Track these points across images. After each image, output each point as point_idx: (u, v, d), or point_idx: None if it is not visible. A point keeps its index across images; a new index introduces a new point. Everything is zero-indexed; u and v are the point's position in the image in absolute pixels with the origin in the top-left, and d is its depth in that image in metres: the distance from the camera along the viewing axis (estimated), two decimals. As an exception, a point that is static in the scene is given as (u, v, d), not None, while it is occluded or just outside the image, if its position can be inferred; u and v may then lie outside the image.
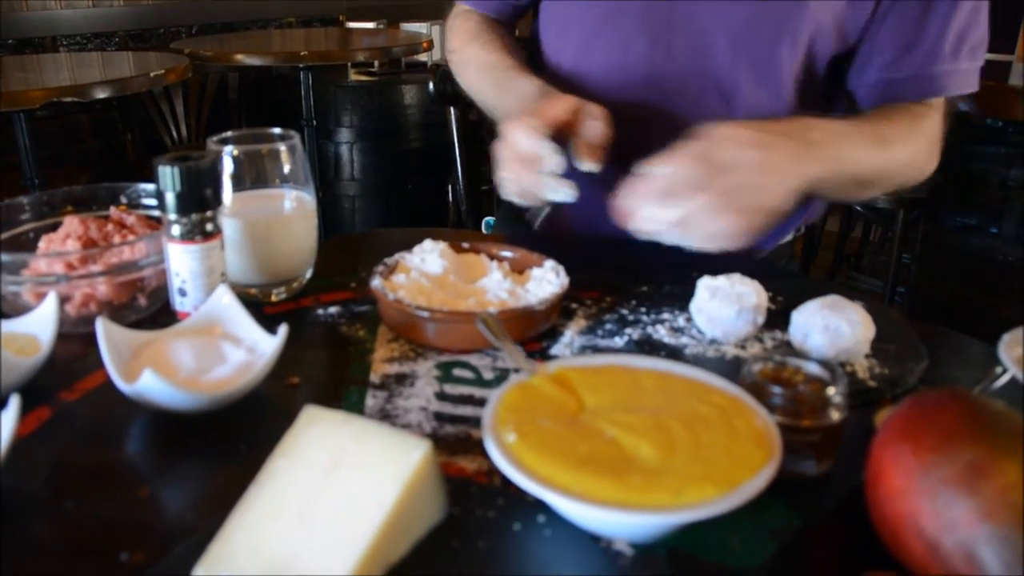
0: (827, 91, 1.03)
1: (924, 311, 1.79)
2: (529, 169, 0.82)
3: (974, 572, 0.40)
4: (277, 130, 0.83)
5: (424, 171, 3.18)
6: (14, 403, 0.55)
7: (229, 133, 0.81)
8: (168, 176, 0.69)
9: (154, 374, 0.57)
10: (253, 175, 0.80)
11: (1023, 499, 0.39)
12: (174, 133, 3.27)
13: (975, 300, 1.27)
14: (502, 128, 0.86)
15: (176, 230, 0.71)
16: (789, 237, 1.16)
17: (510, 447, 0.49)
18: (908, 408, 0.46)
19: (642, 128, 1.00)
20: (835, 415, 0.54)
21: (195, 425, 0.62)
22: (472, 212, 1.66)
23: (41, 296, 0.76)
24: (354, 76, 3.23)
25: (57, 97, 1.74)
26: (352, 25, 3.51)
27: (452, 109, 1.54)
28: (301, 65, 2.52)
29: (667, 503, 0.45)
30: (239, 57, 2.40)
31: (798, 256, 3.40)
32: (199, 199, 0.70)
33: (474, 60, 1.07)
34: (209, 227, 0.71)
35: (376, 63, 3.21)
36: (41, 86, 1.84)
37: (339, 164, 3.17)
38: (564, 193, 0.82)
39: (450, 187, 1.65)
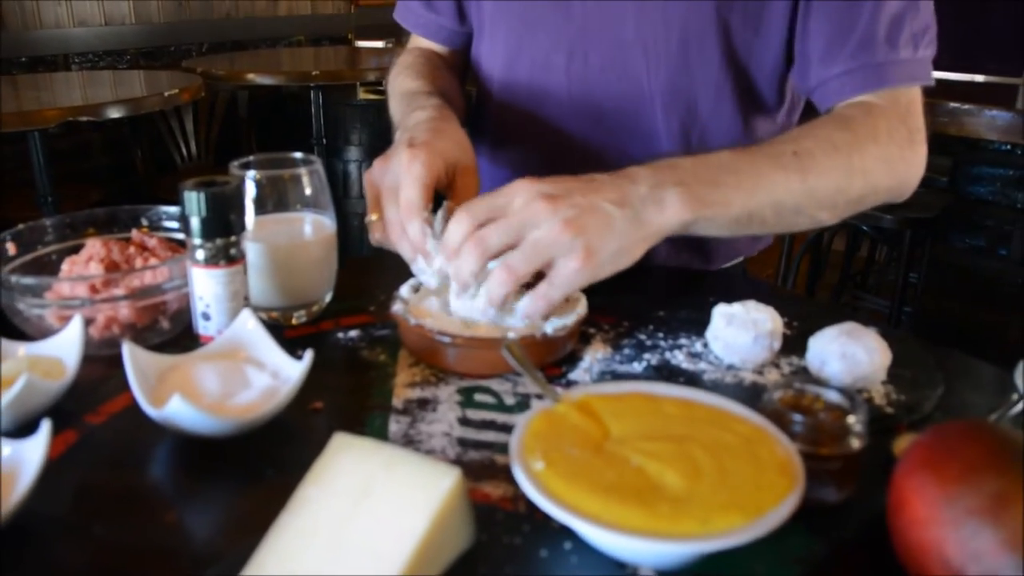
0: (781, 99, 1.01)
1: (930, 332, 1.80)
2: (405, 236, 0.77)
3: (1000, 603, 0.40)
4: (298, 155, 0.84)
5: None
6: (45, 428, 0.55)
7: (251, 157, 0.83)
8: (194, 201, 0.70)
9: (183, 400, 0.58)
10: (275, 199, 0.81)
11: (1048, 531, 0.40)
12: (184, 150, 3.29)
13: (983, 321, 1.28)
14: (382, 159, 0.81)
15: (201, 255, 0.72)
16: (738, 260, 1.13)
17: (538, 475, 0.50)
18: (930, 438, 0.47)
19: (569, 141, 1.02)
20: (855, 443, 0.55)
21: (220, 449, 0.63)
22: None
23: (64, 319, 0.77)
24: (363, 94, 3.26)
25: (72, 117, 1.76)
26: (361, 44, 3.55)
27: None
28: (312, 84, 2.54)
29: (695, 531, 0.45)
30: (251, 76, 2.43)
31: (803, 275, 3.39)
32: (224, 224, 0.71)
33: (396, 89, 1.06)
34: (233, 252, 0.72)
35: (385, 82, 3.24)
36: (54, 105, 1.86)
37: (348, 182, 3.19)
38: (427, 278, 0.79)
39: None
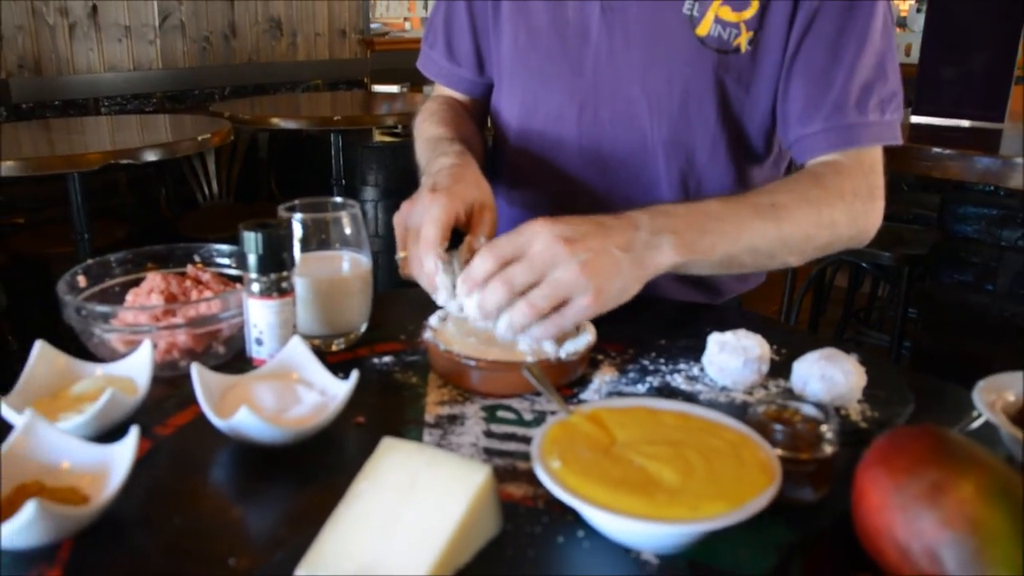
0: (770, 151, 1.11)
1: (927, 364, 1.88)
2: (417, 260, 0.86)
3: (937, 572, 0.49)
4: (339, 199, 0.94)
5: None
6: (134, 432, 0.65)
7: (296, 201, 0.93)
8: (252, 240, 0.80)
9: (249, 411, 0.67)
10: (318, 239, 0.92)
11: (976, 511, 0.49)
12: (206, 190, 3.42)
13: (974, 353, 1.38)
14: (409, 201, 0.91)
15: (256, 287, 0.82)
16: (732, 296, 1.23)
17: (556, 472, 0.59)
18: (885, 439, 0.56)
19: (578, 185, 1.12)
20: (828, 449, 0.64)
21: (275, 457, 0.72)
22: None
23: (128, 343, 0.87)
24: (378, 137, 3.38)
25: (114, 160, 1.87)
26: (377, 88, 3.69)
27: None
28: (332, 128, 2.66)
29: (687, 516, 0.54)
30: (275, 120, 2.55)
31: (806, 311, 3.47)
32: (277, 261, 0.81)
33: (421, 135, 1.16)
34: (284, 285, 0.82)
35: (400, 125, 3.37)
36: (94, 149, 1.97)
37: (364, 221, 3.30)
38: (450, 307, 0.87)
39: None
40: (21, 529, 0.55)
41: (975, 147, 1.62)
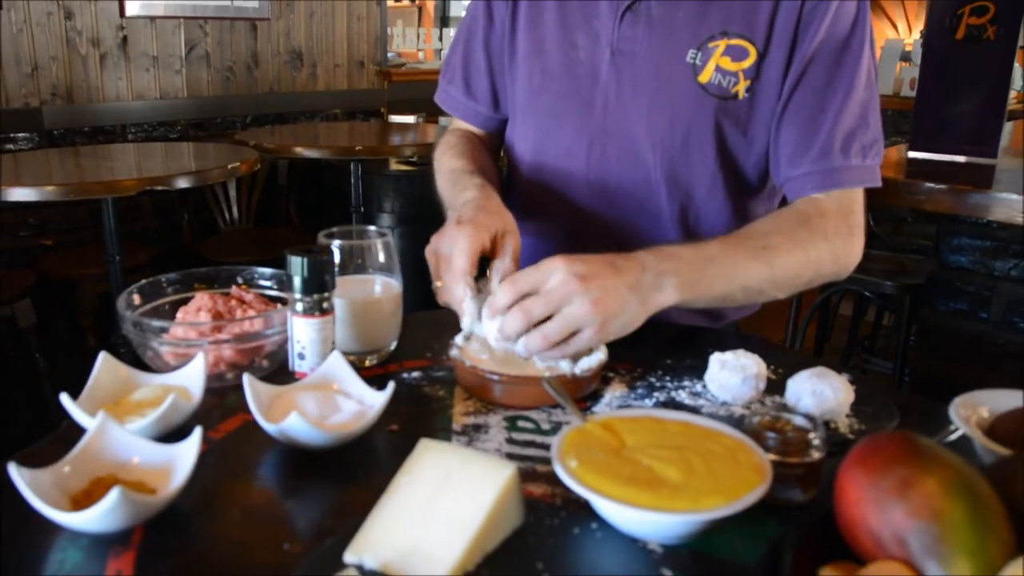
0: (763, 187, 1.21)
1: (926, 389, 1.95)
2: (451, 289, 0.95)
3: (905, 556, 0.56)
4: (372, 228, 1.03)
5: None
6: (197, 432, 0.73)
7: (335, 229, 1.02)
8: (297, 264, 0.89)
9: (299, 416, 0.75)
10: (354, 264, 1.00)
11: (939, 503, 0.56)
12: (227, 215, 3.52)
13: (970, 379, 1.45)
14: (438, 234, 0.98)
15: (300, 307, 0.90)
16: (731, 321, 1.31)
17: (573, 470, 0.67)
18: (864, 443, 0.64)
19: (587, 217, 1.21)
20: (815, 454, 0.72)
21: (317, 458, 0.80)
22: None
23: (178, 356, 0.96)
24: (394, 165, 3.48)
25: (150, 186, 1.97)
26: (394, 119, 3.80)
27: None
28: (353, 158, 2.77)
29: (688, 508, 0.62)
30: (298, 150, 2.65)
31: (810, 338, 3.53)
32: (319, 283, 0.90)
33: (442, 167, 1.25)
34: (325, 305, 0.91)
35: (416, 155, 3.47)
36: (113, 175, 2.06)
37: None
38: (473, 331, 0.97)
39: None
40: (106, 513, 0.63)
41: (969, 182, 1.70)
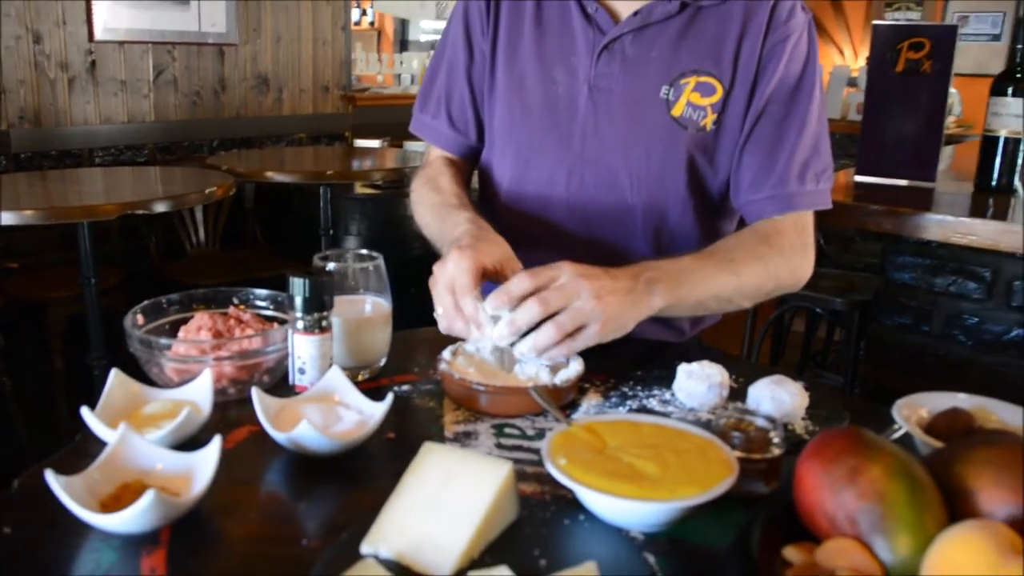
0: (726, 208, 1.31)
1: (874, 399, 2.07)
2: (455, 312, 1.01)
3: (856, 533, 0.65)
4: (364, 251, 1.10)
5: (426, 278, 3.47)
6: (217, 440, 0.79)
7: (328, 252, 1.09)
8: (299, 285, 0.96)
9: (309, 425, 0.82)
10: (347, 285, 1.07)
11: (883, 486, 0.65)
12: (193, 238, 3.55)
13: (915, 388, 1.58)
14: (439, 264, 1.03)
15: (301, 324, 0.97)
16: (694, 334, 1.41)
17: (563, 467, 0.75)
18: (818, 438, 0.72)
19: (566, 241, 1.30)
20: (776, 451, 0.80)
21: (322, 464, 0.86)
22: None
23: (180, 372, 1.02)
24: (360, 188, 3.55)
25: (130, 211, 2.02)
26: (359, 143, 3.87)
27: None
28: (323, 182, 2.83)
29: (665, 497, 0.70)
30: (270, 174, 2.71)
31: (765, 355, 3.65)
32: (319, 302, 0.97)
33: (425, 199, 1.33)
34: (324, 323, 0.98)
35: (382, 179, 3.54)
36: (81, 200, 2.10)
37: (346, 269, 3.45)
38: (484, 348, 1.03)
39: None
40: (141, 513, 0.69)
41: (910, 204, 1.82)
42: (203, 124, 3.68)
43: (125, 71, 3.39)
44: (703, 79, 1.21)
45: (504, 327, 0.97)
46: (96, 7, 3.25)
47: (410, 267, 3.78)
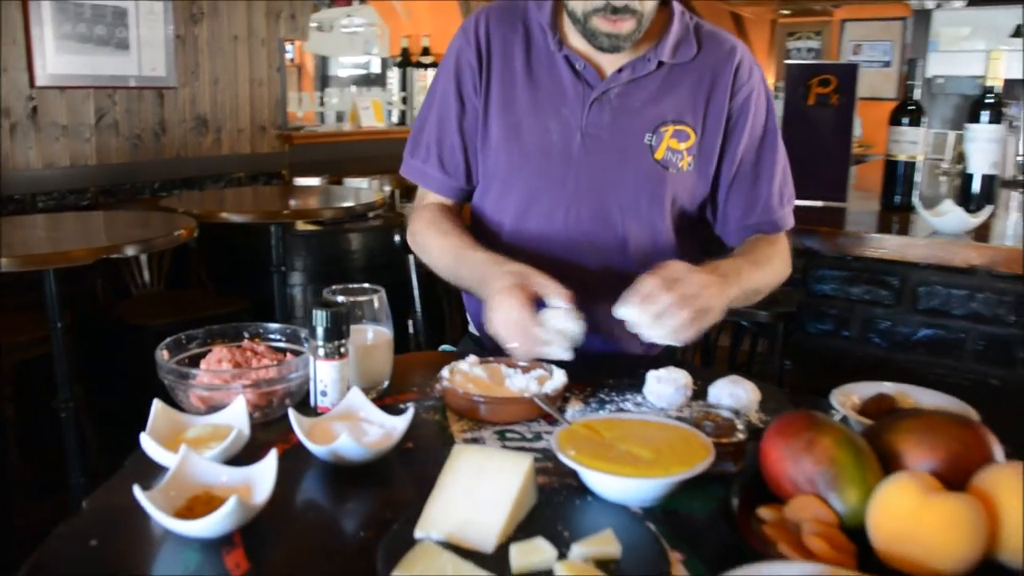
0: (701, 237, 1.54)
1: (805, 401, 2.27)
2: (530, 340, 1.18)
3: (815, 491, 0.82)
4: (367, 285, 1.24)
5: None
6: (273, 454, 0.92)
7: (334, 287, 1.22)
8: (321, 316, 1.09)
9: (349, 437, 0.95)
10: (354, 315, 1.21)
11: (833, 453, 0.83)
12: (138, 279, 3.58)
13: (838, 387, 1.80)
14: (491, 310, 1.21)
15: (322, 351, 1.10)
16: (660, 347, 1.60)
17: (573, 456, 0.90)
18: (779, 420, 0.90)
19: (564, 270, 1.43)
20: (741, 436, 0.98)
21: (353, 473, 0.99)
22: (429, 341, 1.99)
23: (203, 400, 1.13)
24: (301, 225, 3.63)
25: (105, 255, 2.09)
26: (299, 181, 3.97)
27: (412, 256, 1.86)
28: (274, 221, 2.93)
29: (659, 474, 0.86)
30: (224, 215, 2.79)
31: (697, 365, 3.86)
32: (338, 331, 1.10)
33: (434, 243, 1.49)
34: (343, 349, 1.11)
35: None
36: (26, 247, 2.16)
37: (294, 304, 3.54)
38: (564, 354, 1.19)
39: (410, 321, 2.03)
40: (225, 517, 0.81)
41: (825, 223, 2.05)
42: (144, 166, 3.72)
43: (67, 116, 3.42)
44: (679, 127, 1.41)
45: (639, 316, 1.15)
46: (37, 53, 3.28)
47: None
